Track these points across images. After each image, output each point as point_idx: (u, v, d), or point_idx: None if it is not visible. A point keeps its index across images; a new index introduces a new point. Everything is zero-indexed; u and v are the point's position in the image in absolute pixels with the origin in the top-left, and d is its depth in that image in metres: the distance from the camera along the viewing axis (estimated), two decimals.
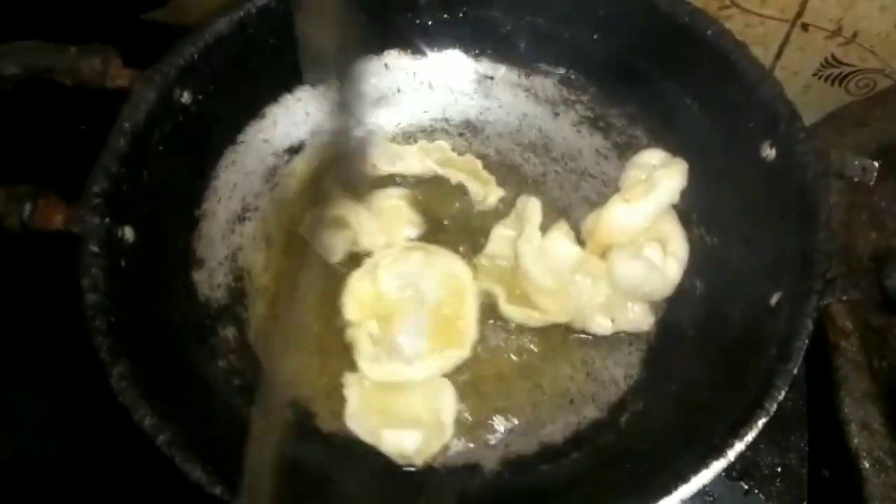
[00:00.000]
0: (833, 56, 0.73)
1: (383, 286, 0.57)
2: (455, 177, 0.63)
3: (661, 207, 0.57)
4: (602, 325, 0.56)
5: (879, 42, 0.70)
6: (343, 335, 0.57)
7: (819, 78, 0.75)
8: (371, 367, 0.55)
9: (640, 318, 0.56)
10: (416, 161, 0.63)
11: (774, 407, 0.43)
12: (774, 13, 0.69)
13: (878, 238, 0.68)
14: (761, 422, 0.42)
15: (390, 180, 0.64)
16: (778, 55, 0.74)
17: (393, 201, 0.62)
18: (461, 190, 0.63)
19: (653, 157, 0.61)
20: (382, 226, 0.61)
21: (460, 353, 0.56)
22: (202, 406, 0.50)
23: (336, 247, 0.59)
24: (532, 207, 0.59)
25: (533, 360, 0.57)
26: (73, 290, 0.47)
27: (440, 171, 0.63)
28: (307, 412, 0.54)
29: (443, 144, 0.65)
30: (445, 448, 0.54)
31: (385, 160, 0.63)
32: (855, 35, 0.70)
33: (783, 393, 0.43)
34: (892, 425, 0.55)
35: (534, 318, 0.57)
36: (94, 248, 0.48)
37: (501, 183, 0.64)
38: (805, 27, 0.70)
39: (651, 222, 0.57)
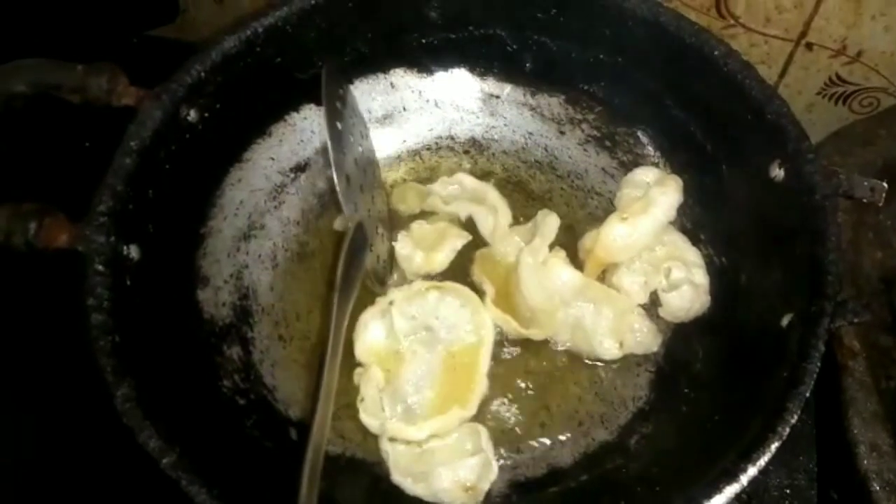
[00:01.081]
0: (837, 75, 0.73)
1: (396, 325, 0.56)
2: (465, 212, 0.63)
3: (658, 224, 0.57)
4: (611, 349, 0.56)
5: (884, 61, 0.70)
6: (349, 353, 0.57)
7: (823, 97, 0.75)
8: (370, 420, 0.53)
9: (648, 340, 0.56)
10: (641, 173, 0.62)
11: (787, 431, 0.42)
12: (779, 32, 0.70)
13: (884, 258, 0.67)
14: (774, 446, 0.42)
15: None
16: (782, 74, 0.74)
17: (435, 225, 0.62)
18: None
19: (647, 174, 0.61)
20: (429, 246, 0.60)
21: (465, 413, 0.53)
22: (207, 427, 0.49)
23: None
24: (550, 222, 0.59)
25: (541, 380, 0.57)
26: (78, 308, 0.47)
27: (454, 209, 0.63)
28: None
29: (462, 178, 0.64)
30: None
31: (410, 201, 0.64)
32: (859, 54, 0.70)
33: (796, 417, 0.42)
34: None
35: (510, 325, 0.56)
36: (100, 267, 0.48)
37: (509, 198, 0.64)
38: (809, 46, 0.70)
39: (650, 239, 0.57)
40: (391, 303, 0.56)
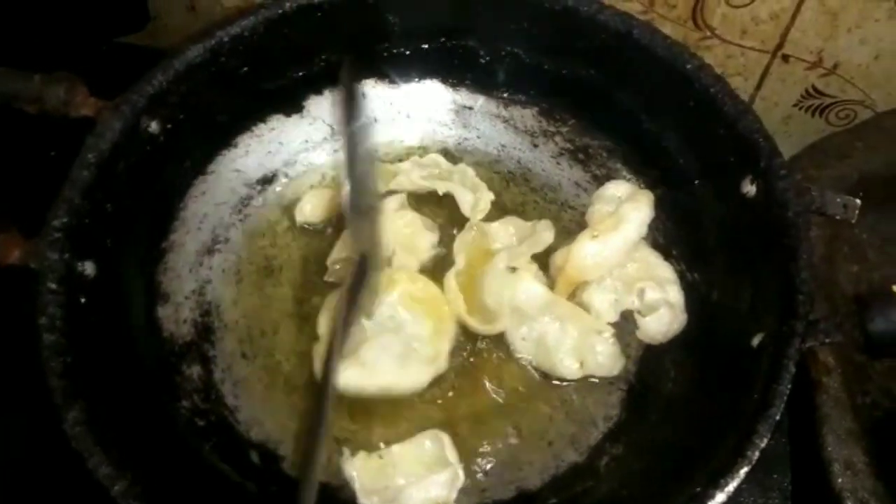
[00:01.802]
0: (814, 87, 0.73)
1: None
2: (444, 188, 0.62)
3: (630, 241, 0.56)
4: (570, 368, 0.55)
5: (859, 74, 0.70)
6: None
7: (800, 109, 0.75)
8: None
9: (609, 363, 0.55)
10: (408, 177, 0.62)
11: (757, 455, 0.41)
12: (755, 44, 0.70)
13: (860, 271, 0.67)
14: (743, 471, 0.41)
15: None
16: (759, 86, 0.74)
17: (406, 219, 0.61)
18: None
19: (618, 189, 0.60)
20: (405, 246, 0.59)
21: (434, 368, 0.54)
22: (162, 451, 0.48)
23: None
24: (544, 237, 0.58)
25: (511, 399, 0.56)
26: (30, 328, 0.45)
27: (431, 184, 0.62)
28: (273, 456, 0.52)
29: (436, 158, 0.64)
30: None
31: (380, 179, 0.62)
32: (835, 66, 0.70)
33: (766, 440, 0.41)
34: (875, 464, 0.54)
35: (467, 321, 0.56)
36: (52, 285, 0.46)
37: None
38: (786, 58, 0.70)
39: (621, 256, 0.56)
40: None
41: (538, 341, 0.55)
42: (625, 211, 0.57)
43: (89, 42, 0.81)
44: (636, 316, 0.57)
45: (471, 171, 0.63)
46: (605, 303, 0.56)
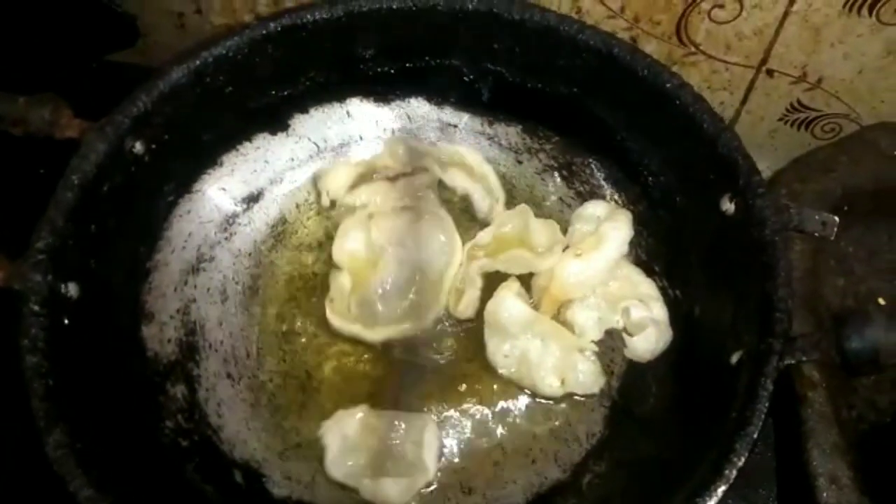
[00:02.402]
0: (799, 101, 0.73)
1: (373, 237, 0.58)
2: (464, 183, 0.64)
3: (612, 260, 0.57)
4: (552, 386, 0.55)
5: (844, 88, 0.71)
6: (300, 390, 0.56)
7: (785, 123, 0.75)
8: (336, 320, 0.57)
9: (590, 381, 0.55)
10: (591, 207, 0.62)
11: (734, 474, 0.41)
12: (740, 59, 0.70)
13: (846, 284, 0.67)
14: (721, 490, 0.41)
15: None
16: (744, 100, 0.74)
17: None
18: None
19: (597, 208, 0.60)
20: None
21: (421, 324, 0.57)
22: (146, 472, 0.48)
23: None
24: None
25: (496, 417, 0.56)
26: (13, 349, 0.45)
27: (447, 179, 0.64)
28: (257, 475, 0.52)
29: (462, 151, 0.64)
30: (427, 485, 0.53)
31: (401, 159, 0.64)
32: (820, 81, 0.70)
33: (743, 459, 0.41)
34: (860, 479, 0.54)
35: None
36: (35, 307, 0.46)
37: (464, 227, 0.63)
38: (770, 73, 0.71)
39: (604, 274, 0.57)
40: (370, 216, 0.59)
41: (520, 359, 0.56)
42: (605, 230, 0.57)
43: (79, 60, 0.81)
44: (624, 335, 0.57)
45: (494, 178, 0.63)
46: (589, 321, 0.57)
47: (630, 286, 0.57)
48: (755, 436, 0.42)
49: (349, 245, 0.59)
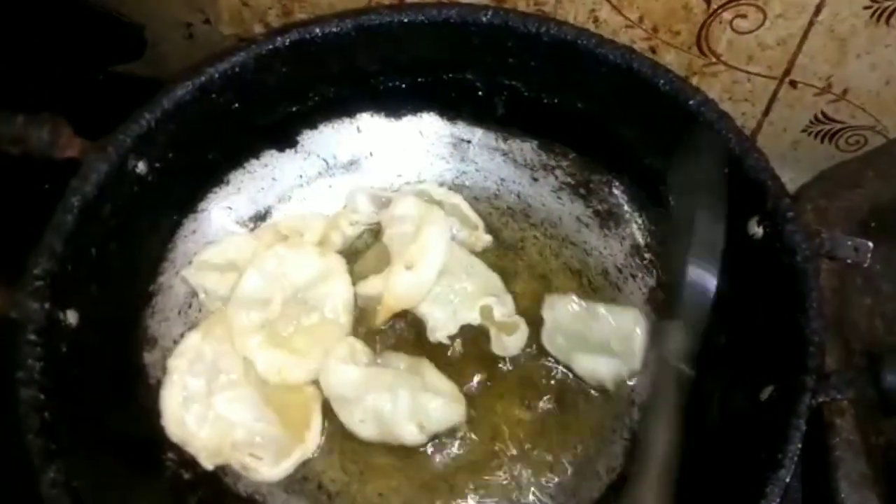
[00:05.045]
0: (823, 113, 0.71)
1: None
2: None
3: (441, 264, 0.57)
4: (413, 434, 0.53)
5: (870, 99, 0.69)
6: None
7: (809, 134, 0.74)
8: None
9: (445, 415, 0.53)
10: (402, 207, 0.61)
11: None
12: (762, 70, 0.68)
13: (873, 304, 0.65)
14: None
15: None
16: (766, 112, 0.73)
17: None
18: None
19: (408, 208, 0.59)
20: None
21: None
22: None
23: None
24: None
25: (509, 448, 0.54)
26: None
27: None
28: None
29: (428, 188, 0.62)
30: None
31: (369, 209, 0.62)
32: (845, 92, 0.69)
33: None
34: None
35: None
36: (32, 337, 0.44)
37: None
38: (794, 84, 0.69)
39: (435, 279, 0.57)
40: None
41: (376, 418, 0.53)
42: (427, 236, 0.56)
43: (84, 72, 0.80)
44: (492, 333, 0.56)
45: (464, 205, 0.61)
46: (443, 315, 0.56)
47: (485, 284, 0.58)
48: (787, 480, 0.39)
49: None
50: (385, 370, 0.54)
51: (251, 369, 0.54)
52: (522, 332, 0.56)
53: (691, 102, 0.51)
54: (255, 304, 0.55)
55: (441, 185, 0.64)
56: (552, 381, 0.57)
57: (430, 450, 0.54)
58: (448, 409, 0.53)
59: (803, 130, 0.73)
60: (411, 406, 0.53)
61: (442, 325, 0.56)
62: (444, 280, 0.57)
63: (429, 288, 0.56)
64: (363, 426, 0.53)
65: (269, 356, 0.54)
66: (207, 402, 0.51)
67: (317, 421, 0.54)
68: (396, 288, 0.56)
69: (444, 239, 0.57)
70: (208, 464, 0.50)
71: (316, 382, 0.55)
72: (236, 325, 0.54)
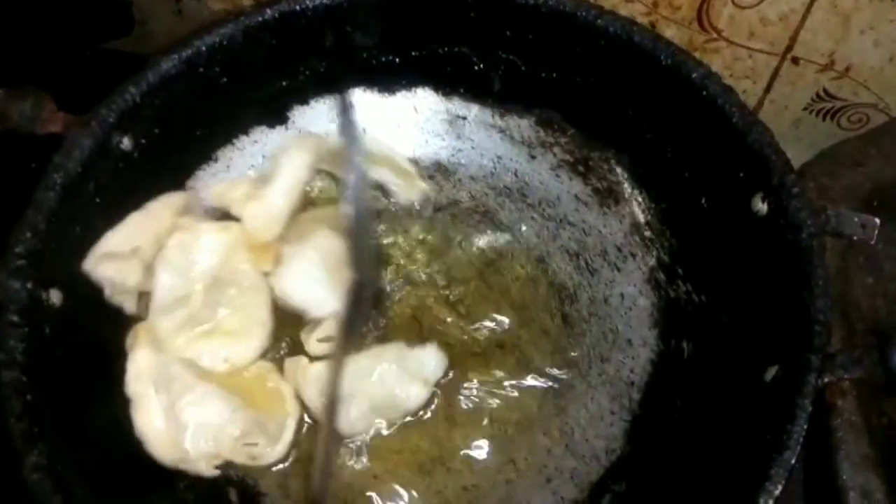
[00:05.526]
0: (825, 90, 0.70)
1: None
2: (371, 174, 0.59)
3: (291, 188, 0.54)
4: (420, 395, 0.52)
5: (873, 76, 0.68)
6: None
7: (810, 112, 0.73)
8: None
9: (440, 356, 0.53)
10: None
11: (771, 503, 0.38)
12: (764, 46, 0.67)
13: (875, 283, 0.64)
14: None
15: None
16: (767, 89, 0.72)
17: None
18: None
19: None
20: None
21: None
22: (133, 493, 0.45)
23: None
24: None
25: (508, 431, 0.53)
26: None
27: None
28: (253, 494, 0.50)
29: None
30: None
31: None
32: (848, 69, 0.68)
33: (780, 488, 0.38)
34: (894, 493, 0.51)
35: None
36: (14, 318, 0.43)
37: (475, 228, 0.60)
38: (796, 61, 0.68)
39: (295, 203, 0.55)
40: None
41: (375, 410, 0.52)
42: (279, 161, 0.55)
43: (71, 49, 0.78)
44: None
45: (398, 157, 0.60)
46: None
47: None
48: (793, 461, 0.38)
49: None
50: (356, 359, 0.51)
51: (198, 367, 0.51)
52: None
53: (694, 76, 0.50)
54: (176, 302, 0.52)
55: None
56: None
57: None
58: (438, 354, 0.53)
59: (805, 108, 0.73)
60: (398, 376, 0.51)
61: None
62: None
63: (288, 208, 0.54)
64: (363, 423, 0.52)
65: (207, 349, 0.51)
66: (180, 414, 0.49)
67: (286, 387, 0.52)
68: (250, 222, 0.53)
69: (294, 161, 0.55)
70: (211, 470, 0.49)
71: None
72: (161, 331, 0.51)
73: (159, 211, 0.53)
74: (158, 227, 0.52)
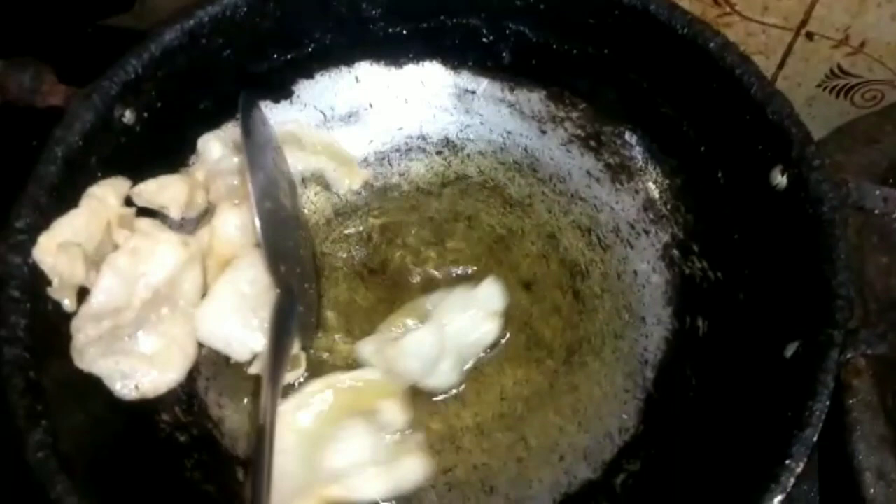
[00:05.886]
0: (839, 66, 0.69)
1: None
2: (307, 164, 0.58)
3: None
4: (451, 374, 0.52)
5: (889, 52, 0.67)
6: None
7: (824, 89, 0.72)
8: None
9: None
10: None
11: (792, 482, 0.37)
12: (778, 21, 0.66)
13: (890, 263, 0.63)
14: (777, 500, 0.37)
15: None
16: (781, 65, 0.71)
17: None
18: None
19: (214, 148, 0.54)
20: None
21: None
22: (139, 471, 0.44)
23: None
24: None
25: (518, 408, 0.52)
26: None
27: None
28: None
29: (295, 129, 0.58)
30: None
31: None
32: (863, 44, 0.67)
33: (802, 465, 0.37)
34: None
35: None
36: (15, 293, 0.42)
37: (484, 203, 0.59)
38: (810, 36, 0.67)
39: None
40: None
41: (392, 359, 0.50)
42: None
43: (71, 25, 0.77)
44: None
45: (336, 143, 0.58)
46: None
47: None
48: (815, 439, 0.38)
49: None
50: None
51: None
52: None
53: (711, 45, 0.49)
54: (110, 312, 0.47)
55: (319, 126, 0.60)
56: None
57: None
58: (496, 284, 0.53)
59: (818, 85, 0.71)
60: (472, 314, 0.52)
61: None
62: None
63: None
64: (454, 373, 0.52)
65: (118, 370, 0.46)
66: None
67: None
68: (224, 229, 0.50)
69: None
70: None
71: None
72: (77, 340, 0.46)
73: (107, 197, 0.49)
74: (104, 217, 0.48)
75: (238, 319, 0.49)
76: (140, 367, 0.46)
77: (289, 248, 0.49)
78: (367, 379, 0.49)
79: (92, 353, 0.45)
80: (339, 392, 0.48)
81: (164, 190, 0.52)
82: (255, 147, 0.49)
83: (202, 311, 0.49)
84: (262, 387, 0.44)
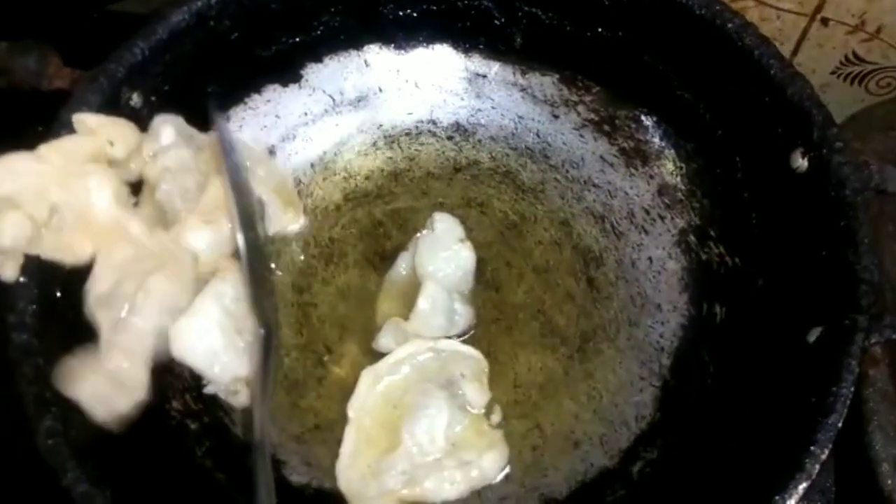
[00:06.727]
0: (854, 53, 0.69)
1: None
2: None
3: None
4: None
5: None
6: (318, 366, 0.51)
7: (838, 76, 0.71)
8: None
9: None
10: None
11: (817, 469, 0.37)
12: (793, 6, 0.65)
13: None
14: (802, 487, 0.36)
15: None
16: (795, 52, 0.70)
17: None
18: None
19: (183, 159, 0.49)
20: None
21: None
22: (150, 459, 0.43)
23: None
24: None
25: (532, 395, 0.51)
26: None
27: None
28: (273, 460, 0.48)
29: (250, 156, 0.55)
30: None
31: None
32: (879, 30, 0.66)
33: (827, 452, 0.37)
34: None
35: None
36: (23, 279, 0.41)
37: (496, 189, 0.58)
38: (825, 21, 0.66)
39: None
40: None
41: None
42: (220, 185, 0.48)
43: (79, 10, 0.76)
44: None
45: (289, 181, 0.56)
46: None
47: None
48: (839, 425, 0.37)
49: None
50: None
51: None
52: None
53: (730, 26, 0.48)
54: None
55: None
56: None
57: None
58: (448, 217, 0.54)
59: (832, 72, 0.71)
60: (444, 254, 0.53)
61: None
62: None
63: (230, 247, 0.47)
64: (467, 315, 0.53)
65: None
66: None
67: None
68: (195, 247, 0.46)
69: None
70: None
71: None
72: None
73: (51, 154, 0.43)
74: (48, 173, 0.42)
75: (221, 338, 0.45)
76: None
77: (265, 278, 0.48)
78: (452, 350, 0.50)
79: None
80: (423, 363, 0.50)
81: (114, 125, 0.47)
82: (234, 166, 0.48)
83: (176, 334, 0.45)
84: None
